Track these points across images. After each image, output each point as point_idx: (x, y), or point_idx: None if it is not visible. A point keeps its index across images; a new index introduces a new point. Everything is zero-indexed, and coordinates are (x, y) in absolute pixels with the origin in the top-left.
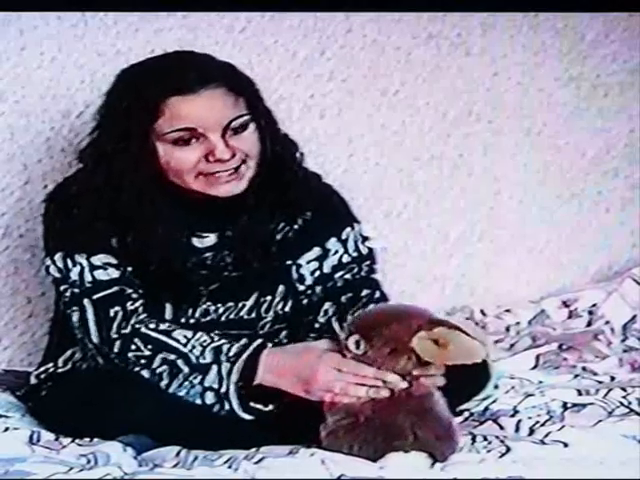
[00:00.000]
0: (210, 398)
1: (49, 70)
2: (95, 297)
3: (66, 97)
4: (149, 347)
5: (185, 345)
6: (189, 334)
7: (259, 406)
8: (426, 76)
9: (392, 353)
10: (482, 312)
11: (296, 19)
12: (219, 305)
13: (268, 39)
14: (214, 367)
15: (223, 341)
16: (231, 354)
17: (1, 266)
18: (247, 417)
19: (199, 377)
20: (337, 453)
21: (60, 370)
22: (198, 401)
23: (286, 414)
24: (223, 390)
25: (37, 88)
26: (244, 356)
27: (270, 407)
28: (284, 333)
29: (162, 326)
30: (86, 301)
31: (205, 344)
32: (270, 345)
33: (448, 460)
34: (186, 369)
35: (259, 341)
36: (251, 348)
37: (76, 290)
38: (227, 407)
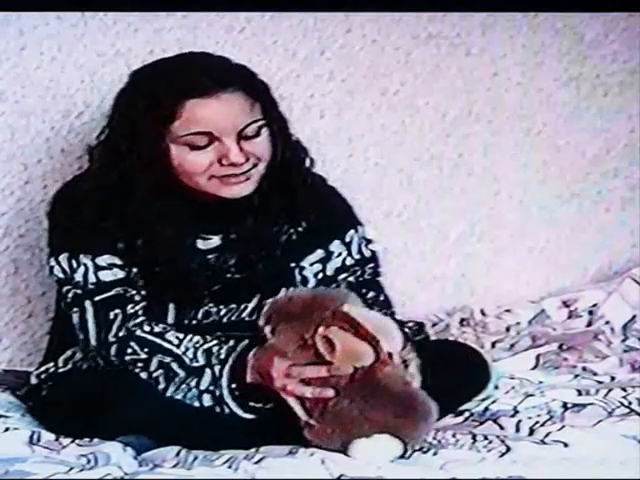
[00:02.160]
0: (207, 400)
1: (49, 70)
2: (96, 299)
3: (66, 97)
4: (145, 350)
5: (178, 346)
6: (181, 335)
7: (259, 405)
8: (426, 76)
9: (300, 348)
10: (482, 312)
11: (296, 19)
12: (221, 307)
13: (268, 39)
14: (207, 370)
15: (213, 342)
16: (221, 356)
17: (1, 266)
18: (249, 417)
19: (194, 380)
20: (317, 445)
21: (60, 370)
22: (196, 404)
23: (285, 411)
24: (218, 393)
25: (37, 88)
26: (232, 358)
27: (270, 404)
28: None
29: (156, 328)
30: (87, 303)
31: (197, 345)
32: (256, 348)
33: (420, 432)
34: (182, 373)
35: (245, 342)
36: (238, 349)
37: (78, 291)
38: (227, 410)
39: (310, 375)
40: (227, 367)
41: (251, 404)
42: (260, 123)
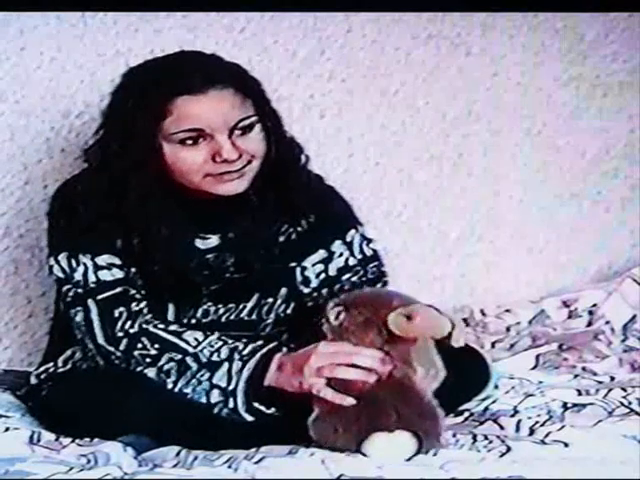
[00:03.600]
0: (216, 396)
1: (49, 70)
2: (99, 298)
3: (66, 97)
4: (156, 346)
5: (195, 347)
6: (200, 336)
7: (262, 408)
8: (426, 76)
9: (364, 324)
10: (482, 312)
11: (296, 19)
12: (220, 306)
13: (268, 39)
14: (225, 364)
15: (238, 342)
16: (245, 352)
17: (1, 266)
18: (248, 418)
19: (207, 374)
20: (325, 441)
21: (60, 370)
22: (203, 399)
23: (287, 419)
24: (231, 387)
25: (37, 88)
26: (257, 355)
27: (272, 410)
28: (285, 336)
29: (172, 327)
30: (90, 301)
31: (217, 346)
32: (285, 350)
33: (434, 444)
34: (195, 366)
35: (275, 343)
36: (265, 349)
37: (80, 290)
38: (231, 405)
39: (357, 361)
40: (251, 362)
41: (255, 405)
42: (252, 119)
